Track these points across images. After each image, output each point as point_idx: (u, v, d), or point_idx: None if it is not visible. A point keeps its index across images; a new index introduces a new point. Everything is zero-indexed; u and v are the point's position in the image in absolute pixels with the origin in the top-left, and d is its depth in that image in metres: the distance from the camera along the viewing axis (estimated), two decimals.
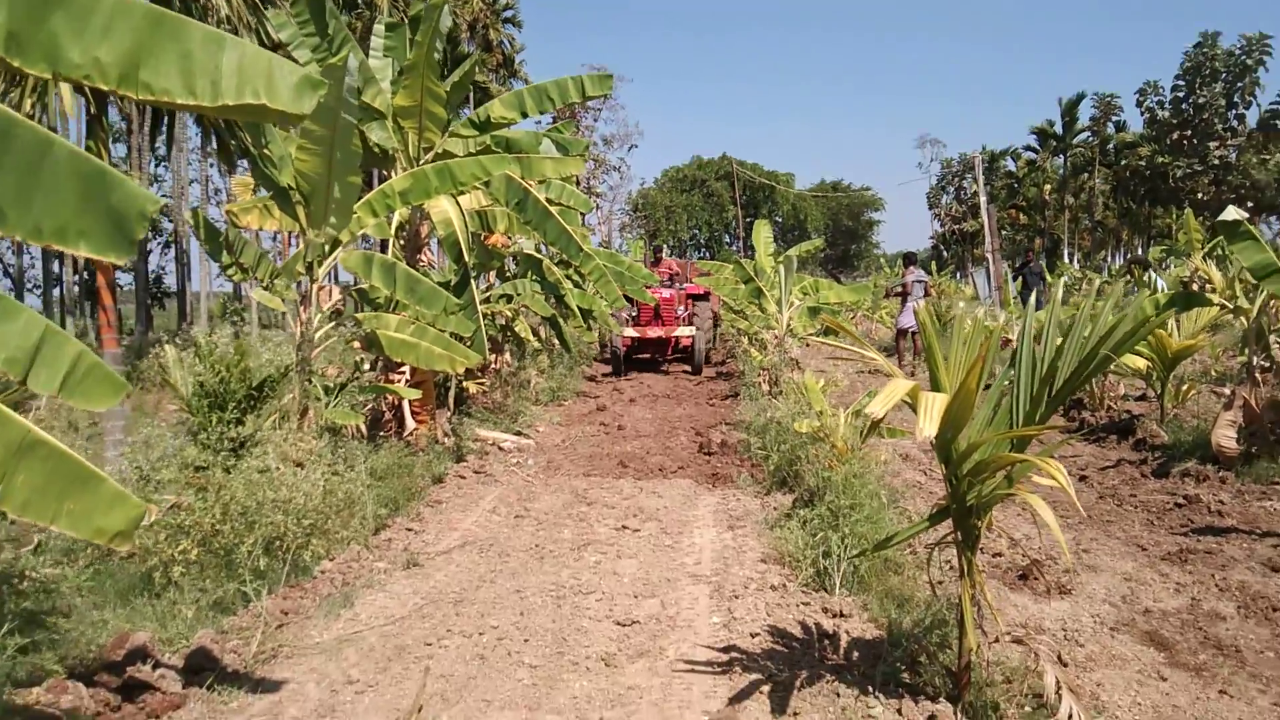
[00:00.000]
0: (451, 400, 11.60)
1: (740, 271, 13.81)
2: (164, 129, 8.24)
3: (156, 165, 40.58)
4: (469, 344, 9.34)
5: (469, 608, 5.52)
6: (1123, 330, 3.45)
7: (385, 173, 10.38)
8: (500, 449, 10.87)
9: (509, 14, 39.85)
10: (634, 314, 18.93)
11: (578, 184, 47.72)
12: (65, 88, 6.59)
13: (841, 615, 5.11)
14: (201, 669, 4.50)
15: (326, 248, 7.99)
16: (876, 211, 77.57)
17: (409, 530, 7.29)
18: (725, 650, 4.70)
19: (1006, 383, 3.85)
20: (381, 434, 10.12)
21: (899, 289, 18.19)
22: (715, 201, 71.48)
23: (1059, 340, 3.72)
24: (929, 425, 3.09)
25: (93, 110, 8.61)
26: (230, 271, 7.72)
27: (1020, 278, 19.07)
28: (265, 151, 7.49)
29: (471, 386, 12.69)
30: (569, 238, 9.46)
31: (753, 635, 4.86)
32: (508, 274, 14.55)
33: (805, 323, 12.69)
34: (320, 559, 6.15)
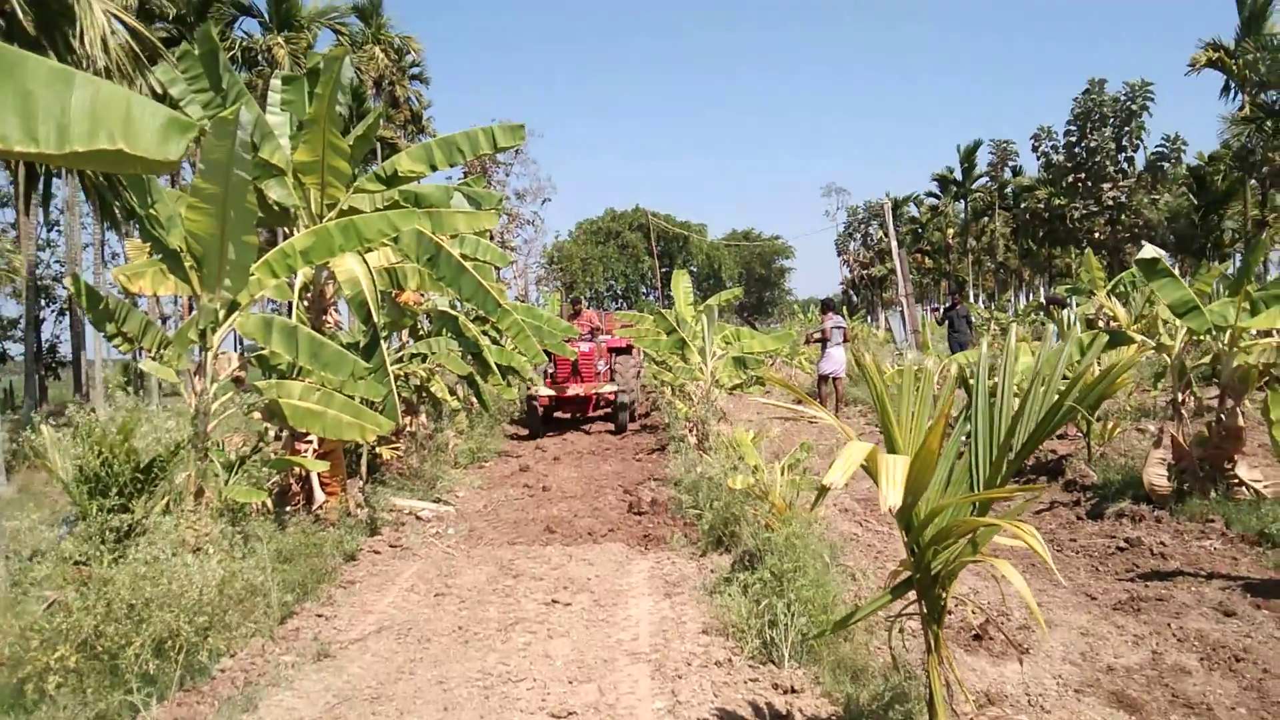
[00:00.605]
0: (364, 468, 10.99)
1: (662, 322, 13.56)
2: (40, 189, 7.61)
3: (49, 229, 38.88)
4: (380, 409, 8.84)
5: (386, 705, 5.00)
6: (1083, 381, 3.23)
7: (288, 231, 9.88)
8: (418, 518, 10.30)
9: (415, 70, 39.55)
10: (551, 370, 17.81)
11: (491, 238, 47.36)
12: None
13: (793, 691, 4.75)
14: None
15: (222, 312, 7.45)
16: (788, 259, 79.03)
17: (319, 616, 6.70)
18: None
19: (963, 439, 3.59)
20: (290, 509, 9.48)
21: (818, 335, 18.26)
22: (630, 252, 71.88)
23: (1013, 393, 3.49)
24: (893, 493, 2.79)
25: None
26: (115, 341, 7.11)
27: (948, 320, 18.63)
28: (152, 211, 6.95)
29: (385, 452, 12.08)
30: (485, 293, 9.08)
31: None
32: (421, 332, 14.04)
33: (730, 373, 12.46)
34: (219, 656, 5.55)
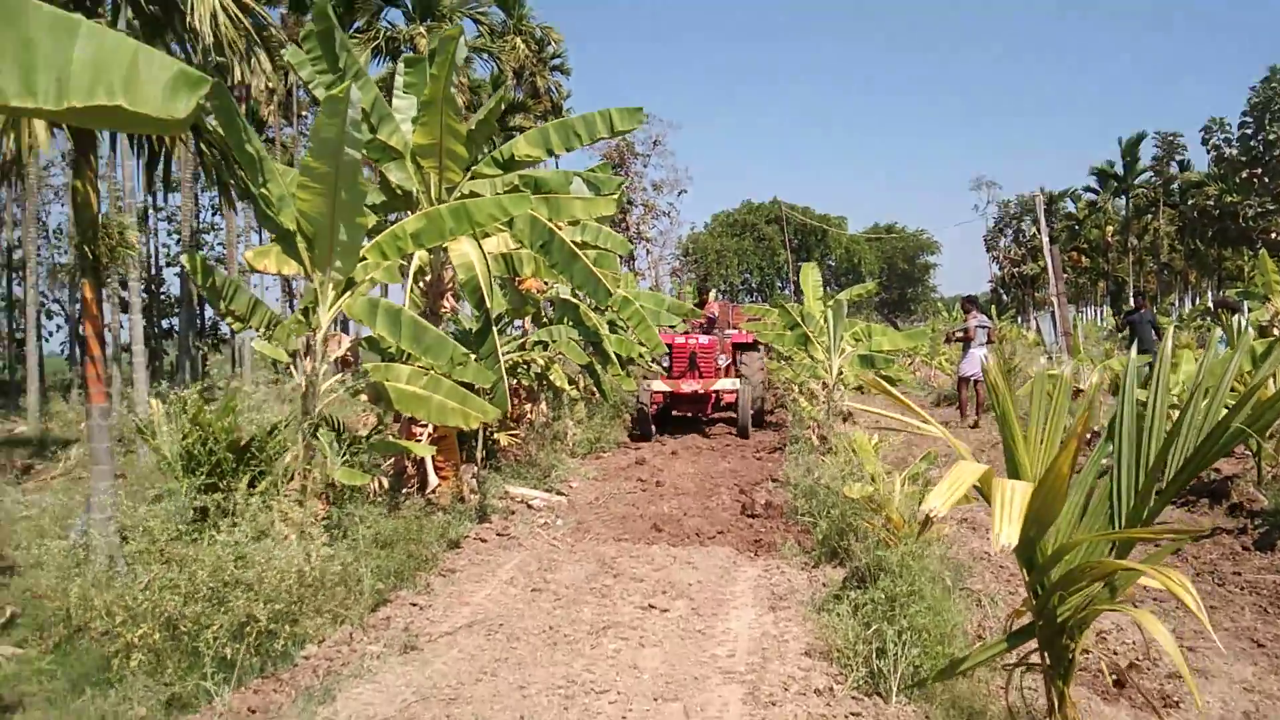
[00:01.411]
0: (479, 454, 10.94)
1: (786, 316, 13.02)
2: (160, 168, 7.80)
3: (213, 214, 41.07)
4: (490, 396, 8.70)
5: (463, 708, 4.77)
6: (1256, 397, 2.64)
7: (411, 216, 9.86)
8: (529, 507, 10.16)
9: (556, 61, 39.77)
10: (666, 365, 16.18)
11: (626, 229, 47.32)
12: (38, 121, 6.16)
13: None
14: None
15: (332, 293, 7.42)
16: (932, 255, 76.29)
17: (414, 606, 6.58)
18: None
19: (1104, 460, 3.04)
20: (405, 492, 9.49)
21: (960, 334, 16.99)
22: (766, 246, 70.85)
23: (1168, 411, 2.91)
24: (1008, 529, 2.31)
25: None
26: (227, 319, 7.18)
27: (1128, 325, 15.90)
28: (264, 191, 6.97)
29: (503, 439, 12.03)
30: (596, 281, 8.81)
31: None
32: (544, 319, 13.95)
33: (857, 371, 11.83)
34: (304, 642, 5.46)
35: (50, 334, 38.99)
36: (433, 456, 9.92)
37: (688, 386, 15.73)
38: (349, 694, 5.02)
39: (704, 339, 16.15)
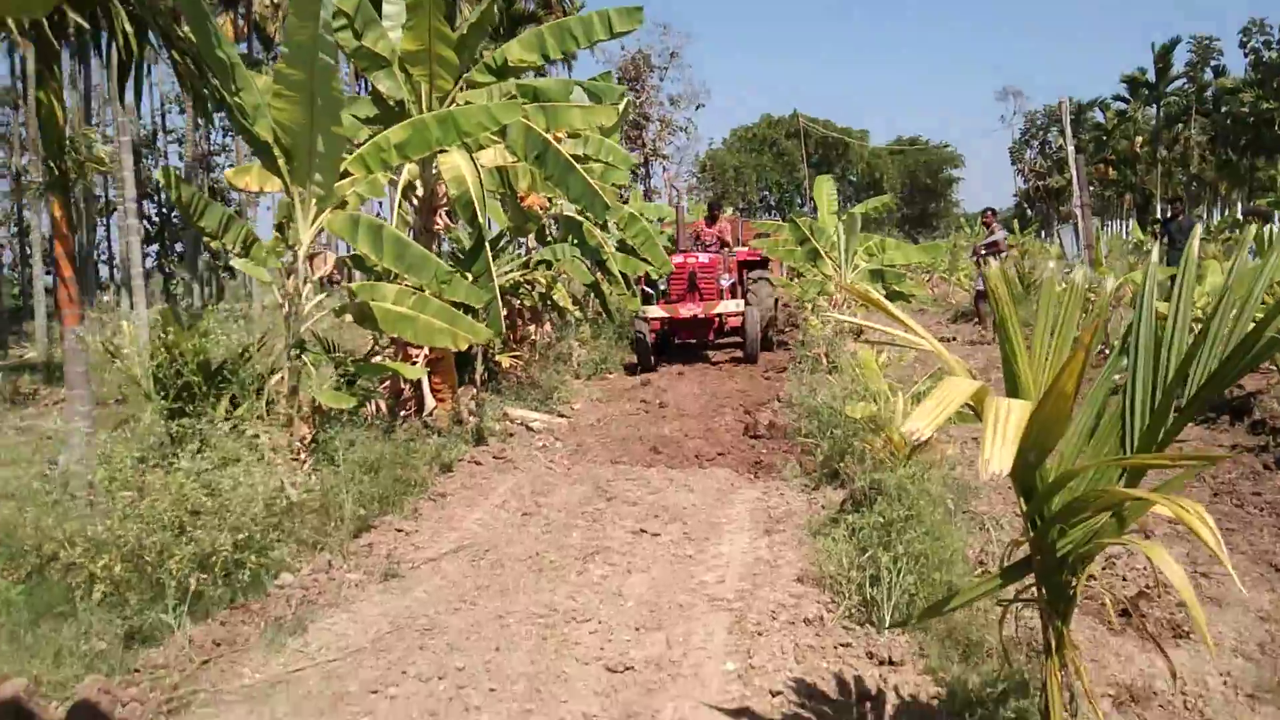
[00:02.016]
0: (478, 376, 10.70)
1: (796, 231, 12.54)
2: (132, 78, 7.37)
3: (224, 135, 40.32)
4: (484, 316, 8.41)
5: (438, 638, 4.58)
6: None
7: None
8: (528, 429, 9.95)
9: None
10: (663, 288, 14.56)
11: (641, 145, 46.19)
12: None
13: (891, 663, 4.03)
14: None
15: (314, 208, 7.08)
16: (956, 169, 74.60)
17: (399, 531, 6.38)
18: (736, 714, 3.67)
19: (1115, 379, 2.70)
20: (403, 415, 9.29)
21: (986, 248, 15.95)
22: (786, 161, 69.40)
23: (1190, 323, 2.57)
24: (999, 453, 2.00)
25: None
26: (205, 238, 6.87)
27: (1167, 235, 14.62)
28: (237, 100, 6.57)
29: (504, 360, 11.77)
30: (594, 194, 8.41)
31: (773, 693, 3.82)
32: (549, 237, 13.55)
33: (866, 286, 11.42)
34: (277, 572, 5.27)
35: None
36: (429, 378, 9.69)
37: (686, 310, 14.06)
38: (322, 624, 4.84)
39: (703, 257, 14.47)
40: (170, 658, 4.29)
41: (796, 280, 14.23)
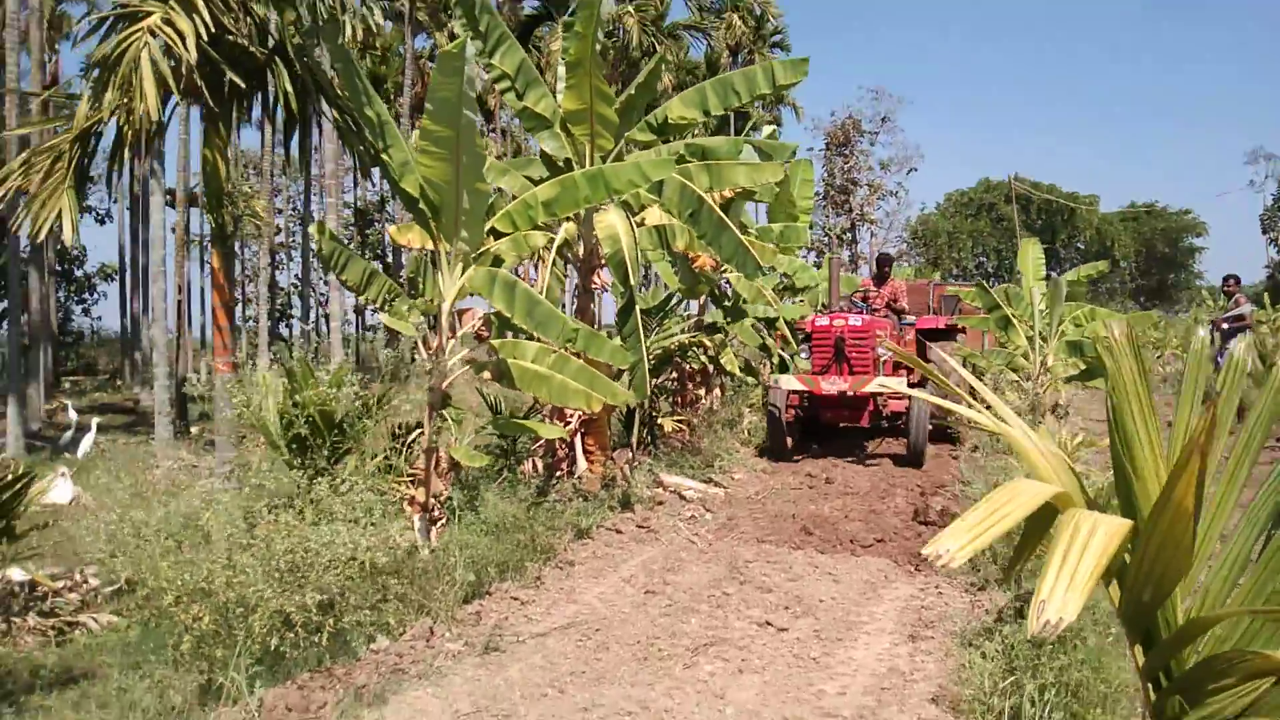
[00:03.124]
0: (635, 439, 10.39)
1: (985, 297, 11.50)
2: (297, 137, 7.73)
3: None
4: (630, 379, 8.10)
5: None
6: None
7: None
8: (681, 498, 9.49)
9: (777, 38, 38.69)
10: (806, 357, 12.19)
11: (849, 210, 45.26)
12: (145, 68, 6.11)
13: None
14: None
15: (459, 265, 7.05)
16: (1198, 236, 68.45)
17: (515, 600, 6.08)
18: None
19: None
20: (556, 477, 9.12)
21: (1229, 322, 13.85)
22: (1005, 227, 66.07)
23: None
24: (1063, 597, 1.40)
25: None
26: (350, 289, 6.97)
27: None
28: (385, 157, 6.67)
29: (667, 424, 11.43)
30: (745, 253, 7.96)
31: None
32: (725, 300, 13.19)
33: (1066, 360, 10.26)
34: (372, 637, 5.07)
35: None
36: (583, 440, 9.48)
37: (830, 386, 11.04)
38: (404, 696, 4.56)
39: (855, 319, 11.35)
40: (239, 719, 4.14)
41: (984, 353, 12.40)
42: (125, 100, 6.03)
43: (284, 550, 4.53)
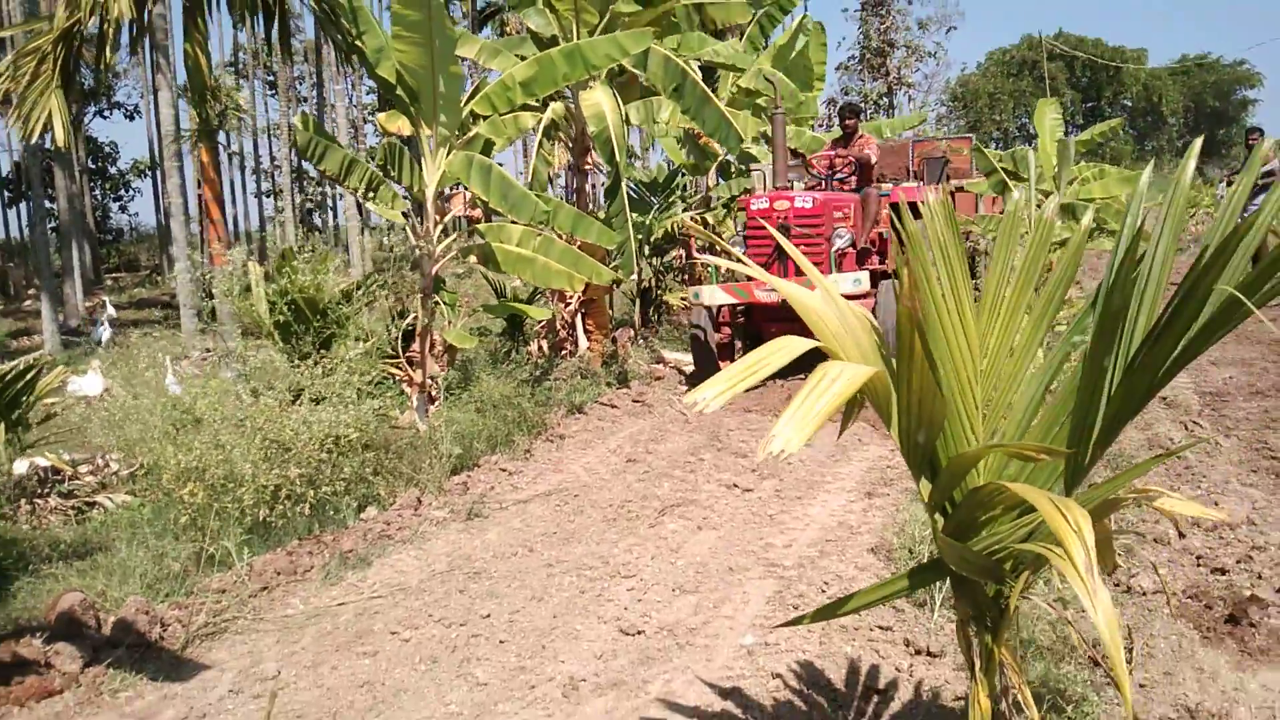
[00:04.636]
0: (637, 317, 10.62)
1: (981, 159, 11.31)
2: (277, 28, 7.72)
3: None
4: (617, 257, 8.27)
5: (481, 583, 4.57)
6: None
7: None
8: (680, 372, 9.77)
9: None
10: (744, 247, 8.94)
11: (885, 74, 43.92)
12: None
13: (929, 654, 3.56)
14: (119, 643, 3.92)
15: (443, 149, 7.17)
16: (1252, 88, 65.36)
17: (502, 471, 6.44)
18: (724, 695, 3.37)
19: (1075, 340, 2.15)
20: (560, 356, 9.43)
21: (1265, 178, 13.12)
22: (1050, 87, 63.64)
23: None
24: (788, 431, 1.59)
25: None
26: (328, 178, 7.15)
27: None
28: (359, 44, 6.73)
29: (672, 299, 11.63)
30: (729, 126, 7.97)
31: (775, 675, 3.47)
32: (733, 173, 13.15)
33: (1061, 223, 10.16)
34: (362, 506, 5.46)
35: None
36: (583, 320, 9.74)
37: (764, 295, 8.21)
38: (387, 559, 4.96)
39: (804, 199, 8.54)
40: (230, 583, 4.55)
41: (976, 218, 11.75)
42: None
43: (263, 429, 4.85)
